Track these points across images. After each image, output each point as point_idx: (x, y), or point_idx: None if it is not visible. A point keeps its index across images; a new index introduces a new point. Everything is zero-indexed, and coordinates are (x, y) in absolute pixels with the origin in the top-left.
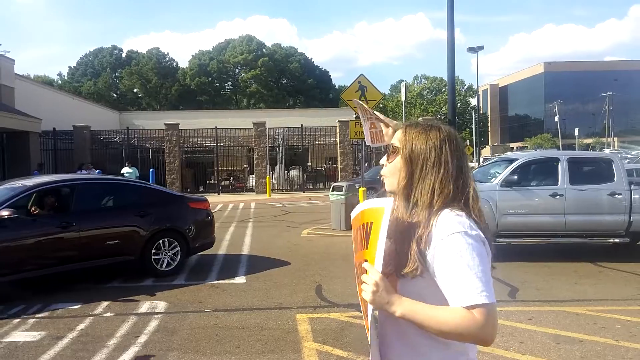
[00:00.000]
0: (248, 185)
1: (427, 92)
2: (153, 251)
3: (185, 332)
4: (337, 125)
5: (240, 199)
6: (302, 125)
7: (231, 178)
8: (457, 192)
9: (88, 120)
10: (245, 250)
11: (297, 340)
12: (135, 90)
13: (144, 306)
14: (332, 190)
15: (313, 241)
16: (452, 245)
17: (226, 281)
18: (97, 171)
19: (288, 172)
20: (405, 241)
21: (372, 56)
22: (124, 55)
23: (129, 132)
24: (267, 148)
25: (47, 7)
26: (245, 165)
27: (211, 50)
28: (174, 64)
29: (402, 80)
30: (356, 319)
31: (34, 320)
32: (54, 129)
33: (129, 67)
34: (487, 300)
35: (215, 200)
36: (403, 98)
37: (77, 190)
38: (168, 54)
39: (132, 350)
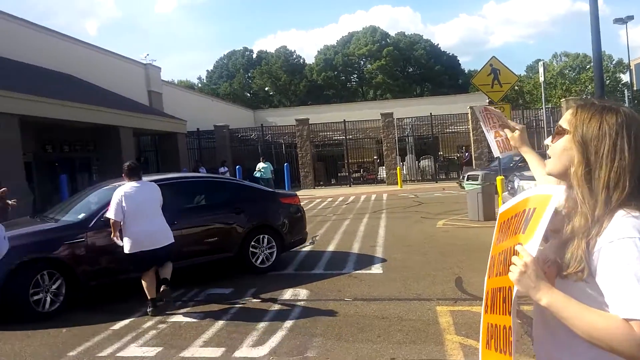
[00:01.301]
0: (379, 176)
1: (569, 70)
2: (250, 248)
3: (328, 319)
4: (469, 111)
5: (371, 191)
6: (431, 113)
7: (361, 170)
8: (636, 188)
9: (226, 119)
10: (380, 241)
11: (438, 333)
12: (266, 88)
13: (288, 293)
14: (467, 180)
15: (449, 232)
16: (621, 250)
17: (363, 271)
18: (223, 169)
19: (419, 162)
20: (572, 238)
21: (503, 36)
22: (254, 55)
23: (263, 129)
24: (396, 139)
25: (185, 16)
26: (375, 157)
27: (335, 44)
28: (301, 60)
29: (539, 60)
30: None
31: (193, 303)
32: (198, 129)
33: (260, 66)
34: None
35: (347, 192)
36: (542, 78)
37: (176, 189)
38: (295, 51)
39: (280, 335)
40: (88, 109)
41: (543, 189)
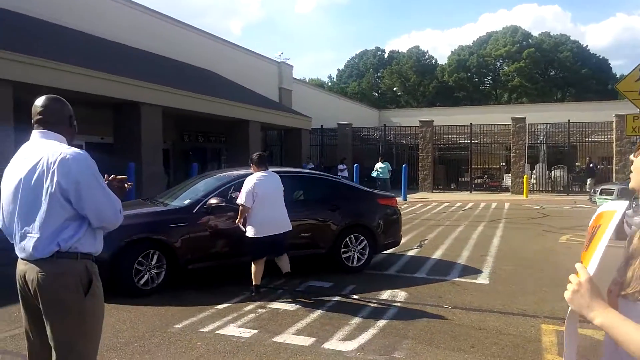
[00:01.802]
0: (503, 184)
1: None
2: (342, 248)
3: (422, 323)
4: (614, 120)
5: (493, 199)
6: (568, 120)
7: (485, 176)
8: None
9: (351, 118)
10: (493, 251)
11: (538, 351)
12: (394, 88)
13: (386, 294)
14: (600, 194)
15: (572, 248)
16: None
17: (468, 280)
18: (310, 165)
19: (550, 172)
20: (635, 257)
21: None
22: (386, 55)
23: (385, 129)
24: (527, 145)
25: (323, 15)
26: (502, 164)
27: (471, 44)
28: (433, 61)
29: None
30: None
31: (293, 293)
32: (322, 126)
33: (390, 66)
34: None
35: (466, 198)
36: None
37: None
38: (427, 51)
39: (371, 332)
40: (223, 103)
41: (612, 205)
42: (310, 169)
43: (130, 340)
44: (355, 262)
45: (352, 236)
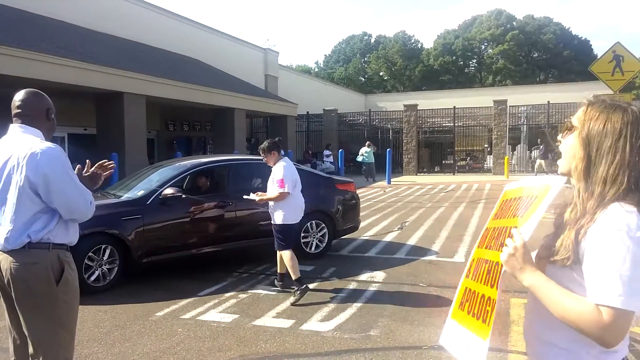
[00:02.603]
0: (485, 165)
1: None
2: (302, 233)
3: (398, 302)
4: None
5: (475, 180)
6: (548, 101)
7: (468, 158)
8: (634, 185)
9: (337, 103)
10: (470, 230)
11: (507, 324)
12: (381, 73)
13: (365, 275)
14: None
15: (545, 225)
16: (608, 242)
17: (445, 259)
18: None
19: (531, 152)
20: (564, 227)
21: None
22: (372, 40)
23: (370, 114)
24: (508, 127)
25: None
26: (485, 145)
27: (457, 28)
28: (419, 45)
29: None
30: None
31: (274, 277)
32: (307, 112)
33: (377, 51)
34: (619, 305)
35: (449, 180)
36: None
37: (232, 171)
38: (413, 35)
39: (348, 312)
40: (207, 91)
41: (548, 180)
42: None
43: (111, 329)
44: (313, 248)
45: (312, 222)
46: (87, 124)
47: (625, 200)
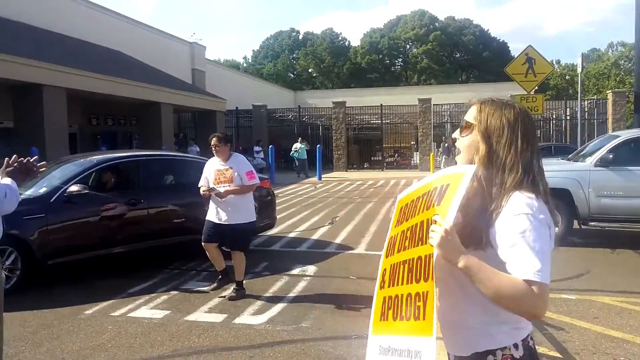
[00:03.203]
0: (412, 162)
1: (625, 61)
2: None
3: (329, 294)
4: (514, 99)
5: (402, 176)
6: (469, 100)
7: (396, 155)
8: (527, 173)
9: (266, 99)
10: None
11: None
12: (310, 70)
13: (296, 269)
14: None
15: None
16: (518, 224)
17: (374, 252)
18: (195, 149)
19: (455, 149)
20: (475, 213)
21: (560, 23)
22: (300, 37)
23: (300, 110)
24: (432, 125)
25: None
26: (412, 142)
27: (382, 27)
28: (346, 43)
29: (595, 49)
30: None
31: (206, 273)
32: (237, 108)
33: (305, 48)
34: (542, 280)
35: (378, 177)
36: (579, 69)
37: (142, 167)
38: (341, 33)
39: (280, 306)
40: (132, 85)
41: (456, 169)
42: (197, 153)
43: (38, 328)
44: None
45: None
46: (3, 116)
47: (523, 188)
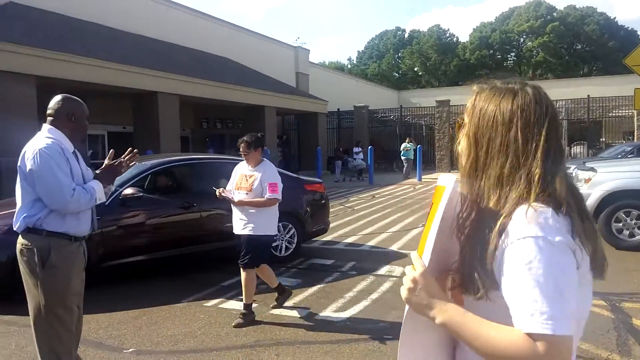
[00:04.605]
0: None
1: None
2: None
3: None
4: (634, 93)
5: None
6: (588, 95)
7: None
8: (536, 181)
9: (369, 100)
10: None
11: None
12: (415, 68)
13: (383, 269)
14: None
15: None
16: (522, 252)
17: None
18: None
19: (570, 148)
20: (472, 251)
21: None
22: (406, 35)
23: (402, 110)
24: None
25: None
26: None
27: (494, 21)
28: (454, 39)
29: None
30: None
31: (295, 269)
32: (338, 109)
33: (410, 46)
34: (550, 332)
35: None
36: None
37: (195, 170)
38: (448, 29)
39: (363, 304)
40: (239, 90)
41: (442, 179)
42: (268, 155)
43: (139, 314)
44: (283, 252)
45: (279, 224)
46: (125, 122)
47: (534, 200)
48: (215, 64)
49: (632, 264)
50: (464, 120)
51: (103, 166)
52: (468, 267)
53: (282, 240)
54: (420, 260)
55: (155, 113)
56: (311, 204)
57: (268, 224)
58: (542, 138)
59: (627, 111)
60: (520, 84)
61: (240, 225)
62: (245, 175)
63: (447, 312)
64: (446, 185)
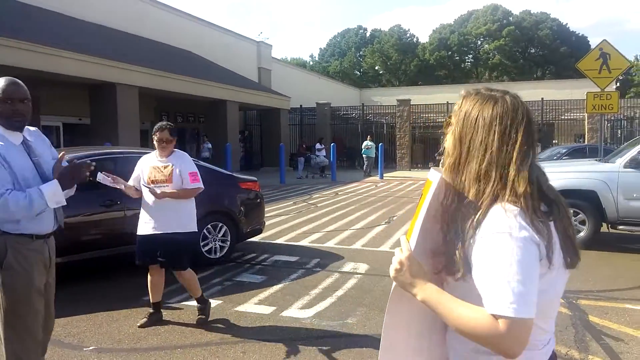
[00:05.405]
0: None
1: None
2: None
3: (378, 292)
4: (586, 97)
5: None
6: (542, 98)
7: None
8: (508, 180)
9: (331, 97)
10: None
11: None
12: (376, 67)
13: (348, 266)
14: None
15: None
16: (492, 245)
17: None
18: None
19: None
20: (453, 238)
21: None
22: (367, 34)
23: (364, 108)
24: None
25: None
26: None
27: (452, 23)
28: (414, 39)
29: None
30: None
31: (260, 267)
32: (301, 106)
33: (372, 45)
34: (513, 314)
35: None
36: None
37: (119, 165)
38: (409, 30)
39: (328, 301)
40: (200, 83)
41: (432, 173)
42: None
43: (99, 312)
44: (217, 253)
45: (209, 225)
46: (81, 114)
47: (505, 200)
48: (177, 57)
49: (586, 262)
50: (451, 119)
51: (62, 168)
52: (450, 250)
53: (215, 241)
54: (408, 244)
55: (114, 105)
56: (245, 203)
57: (192, 218)
58: (518, 142)
59: (578, 114)
60: (501, 92)
61: (160, 223)
62: (158, 167)
63: (426, 290)
64: (434, 178)
